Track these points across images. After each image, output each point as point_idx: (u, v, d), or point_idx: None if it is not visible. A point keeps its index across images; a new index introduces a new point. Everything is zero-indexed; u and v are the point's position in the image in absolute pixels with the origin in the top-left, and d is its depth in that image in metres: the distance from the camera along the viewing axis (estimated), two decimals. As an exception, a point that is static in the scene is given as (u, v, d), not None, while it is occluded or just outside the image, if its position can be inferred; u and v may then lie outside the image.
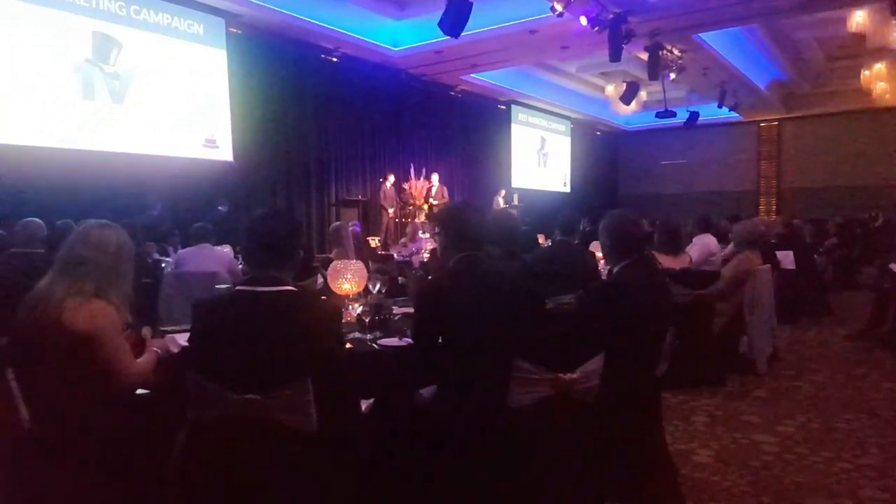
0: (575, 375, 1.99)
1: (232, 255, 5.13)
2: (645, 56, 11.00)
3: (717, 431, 3.63)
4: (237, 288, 1.96)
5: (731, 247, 6.17)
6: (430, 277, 3.17)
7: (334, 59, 10.81)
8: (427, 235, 10.58)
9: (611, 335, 2.23)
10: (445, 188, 11.95)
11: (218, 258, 4.79)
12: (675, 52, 11.18)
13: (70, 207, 7.18)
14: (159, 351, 2.27)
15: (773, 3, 9.43)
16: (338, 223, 5.96)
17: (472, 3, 8.06)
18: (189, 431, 1.82)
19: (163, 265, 5.33)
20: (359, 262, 3.07)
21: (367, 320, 2.62)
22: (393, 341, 2.53)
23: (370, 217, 11.39)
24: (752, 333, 4.76)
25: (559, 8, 8.19)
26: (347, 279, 2.96)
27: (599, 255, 5.27)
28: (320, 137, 11.02)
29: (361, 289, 2.95)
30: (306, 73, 10.56)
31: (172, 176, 8.56)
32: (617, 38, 9.30)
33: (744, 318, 4.69)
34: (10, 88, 7.18)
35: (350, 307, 2.80)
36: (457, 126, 13.97)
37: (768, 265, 4.92)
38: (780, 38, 12.98)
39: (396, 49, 11.18)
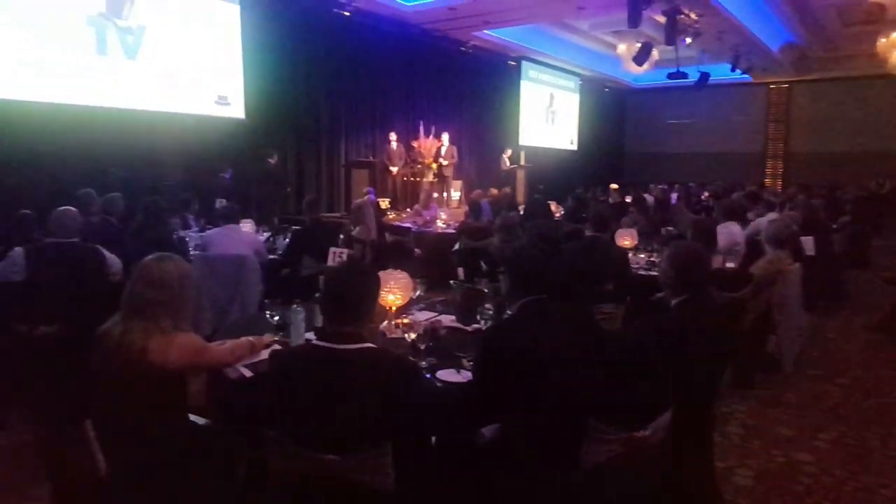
0: (647, 433, 2.01)
1: (256, 234, 5.22)
2: (660, 17, 10.87)
3: (754, 446, 3.67)
4: (314, 343, 2.00)
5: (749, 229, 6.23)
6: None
7: (346, 14, 10.61)
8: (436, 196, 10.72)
9: (677, 386, 2.27)
10: (455, 148, 11.91)
11: (245, 240, 4.87)
12: (693, 16, 11.01)
13: (82, 164, 7.32)
14: (255, 341, 2.50)
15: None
16: (359, 201, 6.08)
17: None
18: (266, 481, 1.90)
19: (186, 239, 5.42)
20: (404, 273, 3.08)
21: (421, 347, 2.62)
22: (452, 375, 2.49)
23: (378, 177, 11.39)
24: (781, 333, 4.74)
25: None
26: (391, 289, 2.97)
27: (627, 243, 5.43)
28: (330, 95, 10.94)
29: (406, 301, 2.99)
30: (318, 29, 10.38)
31: (184, 133, 8.56)
32: (637, 4, 9.17)
33: (772, 317, 4.65)
34: (22, 43, 7.06)
35: (402, 333, 2.77)
36: (466, 83, 13.82)
37: (798, 264, 4.93)
38: (797, 3, 12.74)
39: (410, 4, 10.97)
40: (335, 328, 1.96)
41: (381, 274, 3.21)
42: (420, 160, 11.54)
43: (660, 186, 14.05)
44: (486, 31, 12.69)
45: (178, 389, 2.20)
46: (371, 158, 10.93)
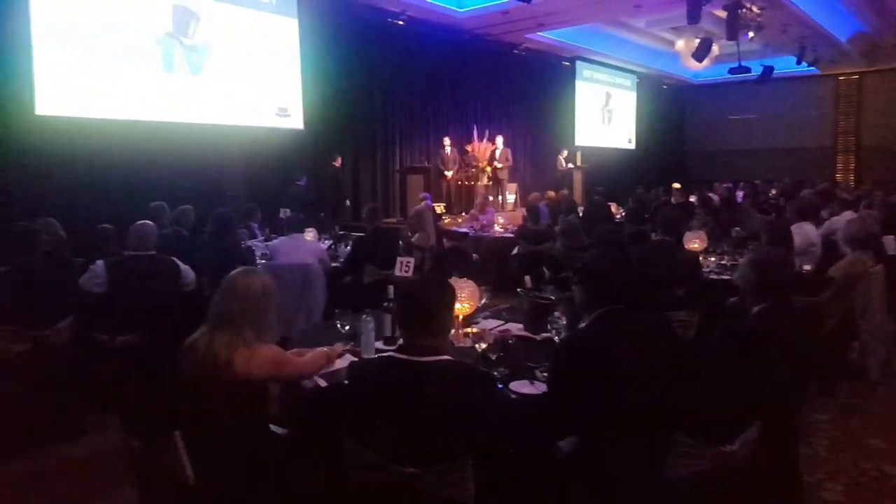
0: (735, 447, 1.96)
1: (320, 242, 5.31)
2: (720, 12, 10.56)
3: (842, 460, 3.51)
4: (391, 355, 2.00)
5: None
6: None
7: (400, 23, 10.73)
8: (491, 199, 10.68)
9: (762, 397, 2.21)
10: (510, 151, 11.85)
11: (309, 249, 4.98)
12: (755, 9, 10.65)
13: (151, 178, 7.55)
14: (330, 352, 2.55)
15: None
16: (418, 207, 6.11)
17: (545, -33, 7.87)
18: (344, 493, 1.94)
19: (253, 249, 5.56)
20: (470, 281, 3.08)
21: (493, 357, 2.57)
22: (525, 386, 2.45)
23: (432, 182, 11.42)
24: (864, 339, 4.49)
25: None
26: (459, 298, 2.90)
27: (696, 245, 5.26)
28: (385, 102, 11.09)
29: (474, 310, 2.99)
30: (373, 39, 10.55)
31: (246, 145, 8.83)
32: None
33: (854, 322, 4.43)
34: (94, 63, 7.36)
35: (472, 343, 2.74)
36: (520, 85, 13.75)
37: (880, 266, 4.69)
38: (868, -11, 12.17)
39: (462, 10, 11.00)
40: (414, 341, 1.97)
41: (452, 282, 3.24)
42: (474, 164, 11.52)
43: (724, 185, 13.67)
44: (539, 33, 12.59)
45: (261, 399, 2.26)
46: (426, 164, 10.98)
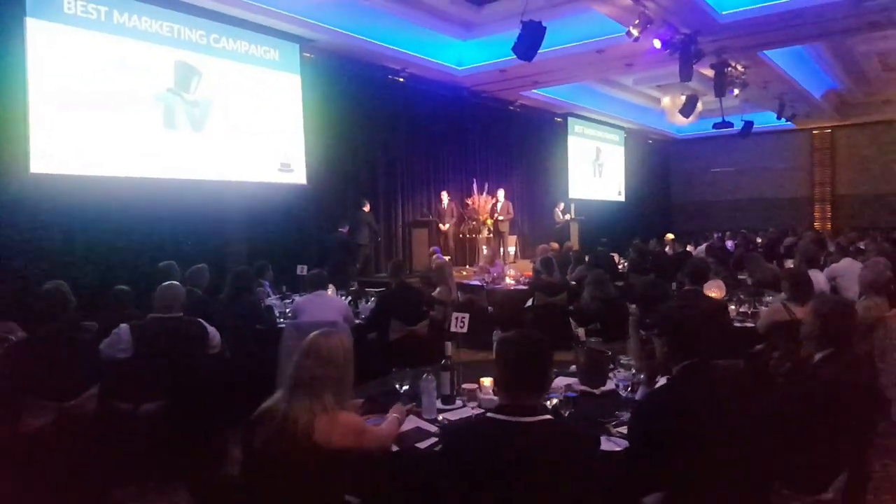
0: (829, 496, 1.99)
1: (345, 302, 5.22)
2: (707, 70, 10.97)
3: (885, 500, 3.53)
4: (491, 416, 1.95)
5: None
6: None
7: (401, 80, 10.95)
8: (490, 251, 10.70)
9: (842, 444, 2.21)
10: (511, 204, 12.00)
11: (335, 306, 4.90)
12: (739, 67, 11.09)
13: (150, 237, 7.45)
14: (399, 416, 2.46)
15: (843, 23, 9.28)
16: (441, 261, 6.09)
17: (545, 28, 8.09)
18: None
19: (272, 308, 5.46)
20: None
21: (565, 414, 2.55)
22: (605, 443, 2.40)
23: (433, 235, 11.46)
24: (884, 381, 4.47)
25: (635, 33, 8.18)
26: None
27: (714, 294, 5.28)
28: (387, 157, 11.20)
29: None
30: (374, 95, 10.72)
31: (249, 201, 8.78)
32: (688, 59, 9.26)
33: (874, 365, 4.44)
34: (94, 120, 7.24)
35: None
36: (516, 140, 14.08)
37: (895, 310, 4.77)
38: (840, 52, 12.80)
39: (461, 68, 11.29)
40: (515, 400, 1.93)
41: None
42: (475, 217, 11.60)
43: (716, 234, 13.94)
44: (533, 91, 12.93)
45: (340, 470, 2.14)
46: (430, 217, 11.03)
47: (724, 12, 8.97)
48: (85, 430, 3.19)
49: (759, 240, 13.59)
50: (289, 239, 9.32)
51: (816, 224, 17.95)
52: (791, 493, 2.00)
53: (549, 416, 1.94)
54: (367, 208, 10.16)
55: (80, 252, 6.96)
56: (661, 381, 2.50)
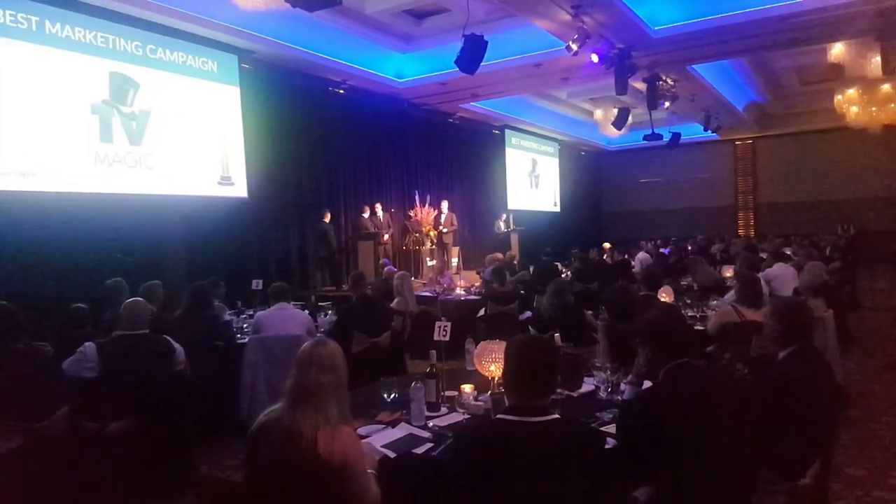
0: (807, 481, 2.09)
1: (308, 315, 5.12)
2: (639, 84, 11.44)
3: (835, 489, 3.65)
4: (502, 417, 1.99)
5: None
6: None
7: (342, 91, 10.89)
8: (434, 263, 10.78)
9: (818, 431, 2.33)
10: (454, 215, 12.08)
11: (299, 321, 4.81)
12: (670, 81, 11.63)
13: (86, 254, 7.17)
14: (374, 473, 2.21)
15: (766, 39, 9.92)
16: (401, 273, 6.06)
17: (487, 42, 8.26)
18: None
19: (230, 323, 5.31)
20: (502, 342, 3.09)
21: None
22: None
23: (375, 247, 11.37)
24: None
25: (574, 48, 8.44)
26: (494, 359, 3.03)
27: (665, 298, 5.48)
28: (329, 169, 11.08)
29: None
30: (315, 107, 10.62)
31: (189, 215, 8.51)
32: (623, 73, 9.64)
33: None
34: (27, 133, 6.95)
35: None
36: (456, 152, 14.24)
37: (831, 311, 5.09)
38: (761, 67, 13.66)
39: (402, 80, 11.34)
40: (525, 401, 1.96)
41: (482, 345, 3.23)
42: (418, 229, 11.62)
43: (649, 243, 14.50)
44: (472, 103, 13.12)
45: (342, 481, 2.03)
46: (374, 230, 10.96)
47: (656, 28, 9.41)
48: (55, 452, 3.11)
49: (689, 247, 14.24)
50: (230, 253, 9.09)
51: (740, 231, 18.96)
52: (774, 479, 2.13)
53: (557, 416, 1.98)
54: (327, 218, 10.19)
55: (13, 269, 6.59)
56: (647, 383, 2.62)
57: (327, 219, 10.21)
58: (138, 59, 8.14)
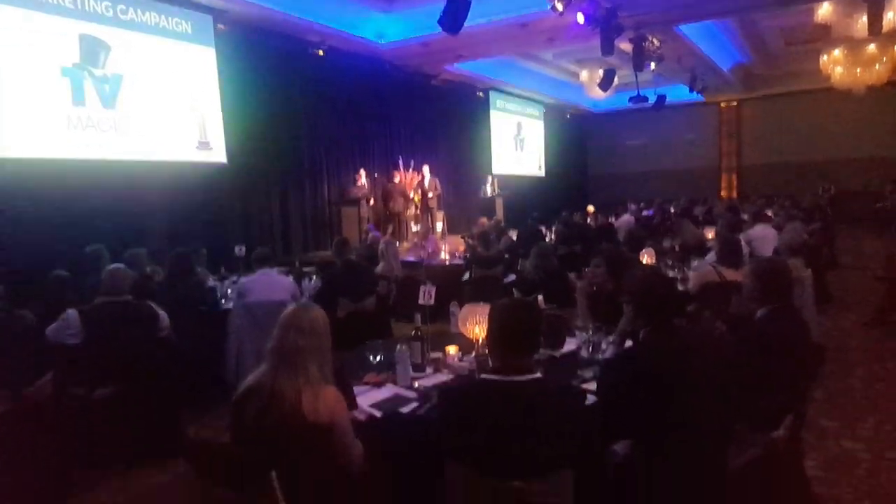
0: (780, 433, 2.15)
1: (292, 281, 5.06)
2: (625, 45, 11.29)
3: (807, 439, 3.70)
4: (486, 377, 2.01)
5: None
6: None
7: (321, 53, 10.62)
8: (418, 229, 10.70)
9: (794, 387, 2.38)
10: (437, 180, 11.97)
11: (283, 286, 4.76)
12: (656, 42, 11.48)
13: (67, 219, 7.03)
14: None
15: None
16: (388, 239, 6.00)
17: (470, 1, 8.08)
18: None
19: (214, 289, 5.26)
20: (486, 305, 3.08)
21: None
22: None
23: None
24: None
25: (560, 7, 8.29)
26: (479, 322, 3.03)
27: (646, 259, 5.51)
28: (310, 134, 10.88)
29: None
30: (294, 69, 10.37)
31: (167, 181, 8.34)
32: (609, 33, 9.50)
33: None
34: (-5, 99, 6.75)
35: None
36: (440, 115, 13.98)
37: (809, 270, 5.15)
38: (747, 27, 13.51)
39: (383, 42, 11.09)
40: (508, 361, 1.98)
41: (468, 307, 3.23)
42: (402, 194, 11.51)
43: (633, 206, 14.51)
44: (455, 65, 12.89)
45: (327, 445, 2.09)
46: (357, 195, 10.85)
47: (643, -13, 9.24)
48: (43, 417, 3.17)
49: (672, 209, 14.29)
50: (211, 219, 8.97)
51: (723, 192, 19.03)
52: (748, 431, 2.20)
53: (539, 375, 1.98)
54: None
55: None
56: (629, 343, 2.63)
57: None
58: (109, 21, 7.89)
